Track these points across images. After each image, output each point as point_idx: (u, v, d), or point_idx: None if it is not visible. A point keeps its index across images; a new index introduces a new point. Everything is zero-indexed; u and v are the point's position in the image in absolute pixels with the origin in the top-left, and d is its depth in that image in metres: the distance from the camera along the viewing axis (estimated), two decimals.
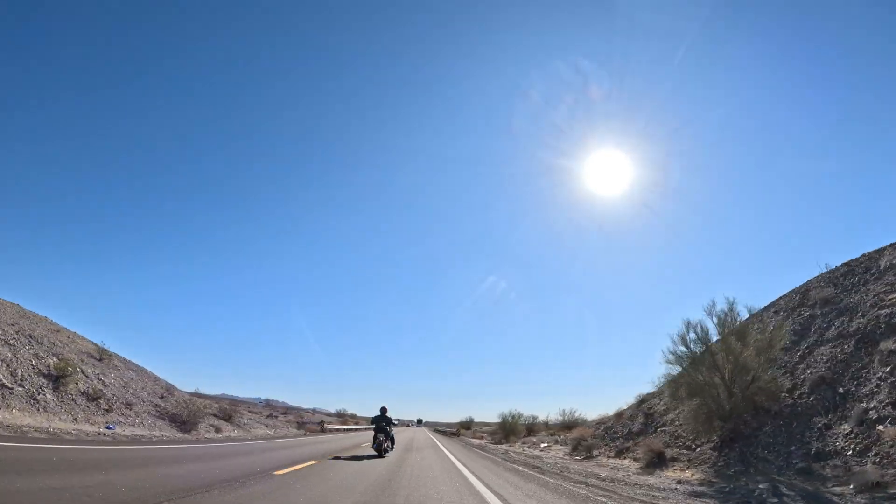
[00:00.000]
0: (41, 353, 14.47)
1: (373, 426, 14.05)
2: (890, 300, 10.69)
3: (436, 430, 61.24)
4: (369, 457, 12.42)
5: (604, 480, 10.18)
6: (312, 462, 10.07)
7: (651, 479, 10.37)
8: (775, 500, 7.26)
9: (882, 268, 12.40)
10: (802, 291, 14.91)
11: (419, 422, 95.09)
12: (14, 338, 14.41)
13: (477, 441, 33.63)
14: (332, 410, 75.40)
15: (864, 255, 14.12)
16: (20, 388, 12.27)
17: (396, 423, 20.03)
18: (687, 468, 11.04)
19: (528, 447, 23.96)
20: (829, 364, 10.39)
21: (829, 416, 9.15)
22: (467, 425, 57.37)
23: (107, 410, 14.54)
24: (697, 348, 12.36)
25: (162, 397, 19.23)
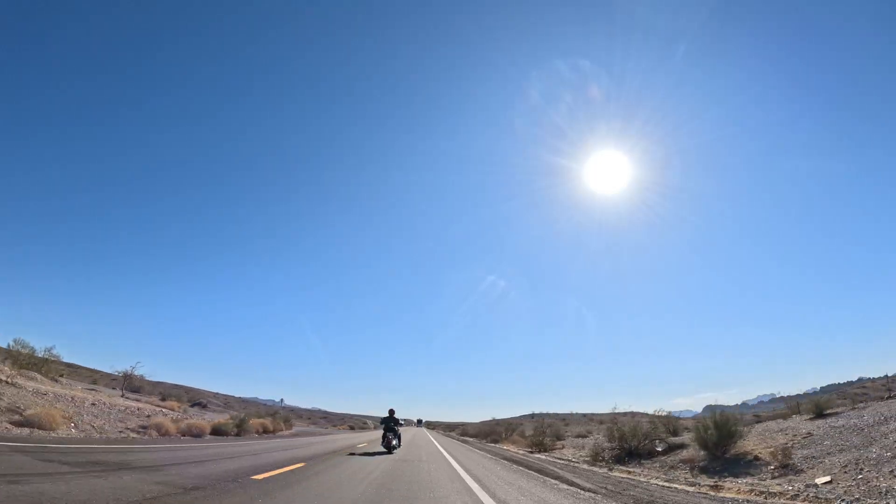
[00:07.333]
0: None
1: (382, 425, 15.06)
2: None
3: (445, 434, 50.62)
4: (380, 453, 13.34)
5: None
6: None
7: None
8: None
9: None
10: None
11: (419, 422, 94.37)
12: None
13: None
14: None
15: None
16: None
17: (403, 423, 20.80)
18: None
19: None
20: None
21: None
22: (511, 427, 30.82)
23: None
24: None
25: None
